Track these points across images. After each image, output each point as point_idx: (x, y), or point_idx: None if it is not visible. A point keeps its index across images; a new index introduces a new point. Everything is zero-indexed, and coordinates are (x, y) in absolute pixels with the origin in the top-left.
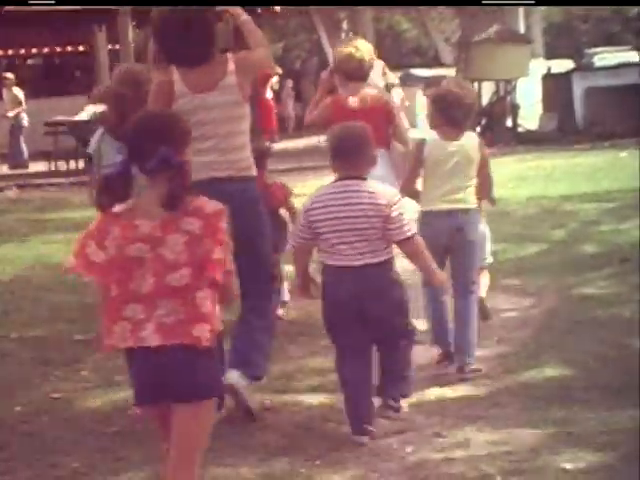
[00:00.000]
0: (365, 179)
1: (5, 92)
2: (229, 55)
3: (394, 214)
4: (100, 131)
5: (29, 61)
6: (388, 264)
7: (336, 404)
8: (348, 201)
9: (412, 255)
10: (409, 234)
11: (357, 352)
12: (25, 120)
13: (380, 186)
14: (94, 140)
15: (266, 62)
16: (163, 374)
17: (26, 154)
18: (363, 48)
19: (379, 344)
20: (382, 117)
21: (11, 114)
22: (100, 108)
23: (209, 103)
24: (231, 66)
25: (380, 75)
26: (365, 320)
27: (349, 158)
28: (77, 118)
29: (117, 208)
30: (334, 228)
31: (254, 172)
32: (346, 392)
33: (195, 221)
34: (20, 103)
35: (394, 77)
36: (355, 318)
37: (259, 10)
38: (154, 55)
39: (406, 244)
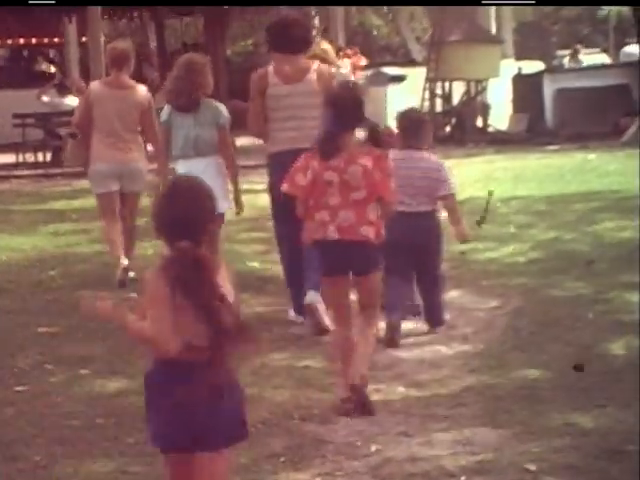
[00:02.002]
0: (422, 149)
1: None
2: (313, 62)
3: (446, 175)
4: (168, 107)
5: None
6: (436, 212)
7: (300, 401)
8: (414, 164)
9: (451, 208)
10: (453, 191)
11: (402, 274)
12: None
13: (433, 155)
14: (165, 113)
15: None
16: (344, 258)
17: None
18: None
19: (420, 273)
20: None
21: None
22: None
23: (295, 92)
24: (314, 67)
25: (351, 72)
26: (413, 251)
27: (416, 133)
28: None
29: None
30: (403, 182)
31: None
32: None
33: (368, 159)
34: None
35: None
36: (407, 250)
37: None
38: None
39: (449, 198)
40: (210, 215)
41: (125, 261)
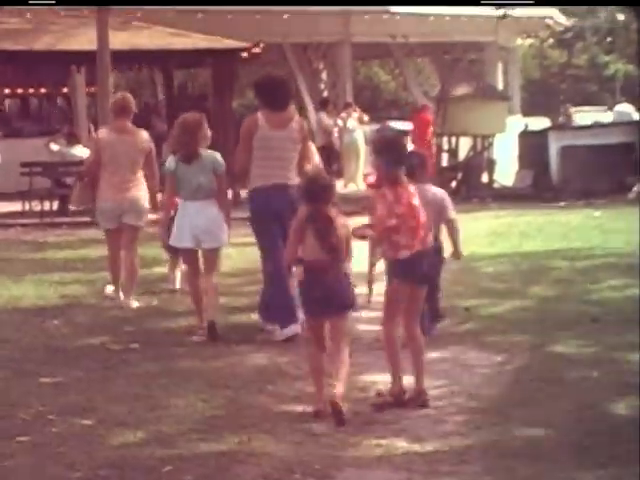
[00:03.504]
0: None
1: None
2: (296, 116)
3: (449, 201)
4: (173, 158)
5: (6, 101)
6: (439, 235)
7: (301, 456)
8: (424, 194)
9: (452, 230)
10: (454, 217)
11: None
12: None
13: (437, 188)
14: (171, 163)
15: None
16: (416, 270)
17: None
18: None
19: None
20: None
21: None
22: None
23: (279, 136)
24: (296, 118)
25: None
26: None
27: (423, 171)
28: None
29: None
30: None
31: (296, 182)
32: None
33: (415, 194)
34: None
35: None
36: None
37: (244, 54)
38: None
39: (452, 222)
40: (332, 191)
41: (126, 300)
